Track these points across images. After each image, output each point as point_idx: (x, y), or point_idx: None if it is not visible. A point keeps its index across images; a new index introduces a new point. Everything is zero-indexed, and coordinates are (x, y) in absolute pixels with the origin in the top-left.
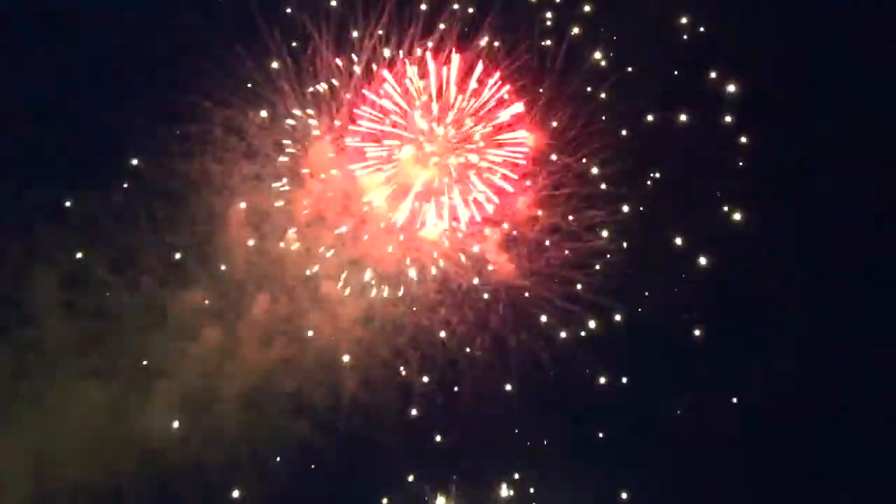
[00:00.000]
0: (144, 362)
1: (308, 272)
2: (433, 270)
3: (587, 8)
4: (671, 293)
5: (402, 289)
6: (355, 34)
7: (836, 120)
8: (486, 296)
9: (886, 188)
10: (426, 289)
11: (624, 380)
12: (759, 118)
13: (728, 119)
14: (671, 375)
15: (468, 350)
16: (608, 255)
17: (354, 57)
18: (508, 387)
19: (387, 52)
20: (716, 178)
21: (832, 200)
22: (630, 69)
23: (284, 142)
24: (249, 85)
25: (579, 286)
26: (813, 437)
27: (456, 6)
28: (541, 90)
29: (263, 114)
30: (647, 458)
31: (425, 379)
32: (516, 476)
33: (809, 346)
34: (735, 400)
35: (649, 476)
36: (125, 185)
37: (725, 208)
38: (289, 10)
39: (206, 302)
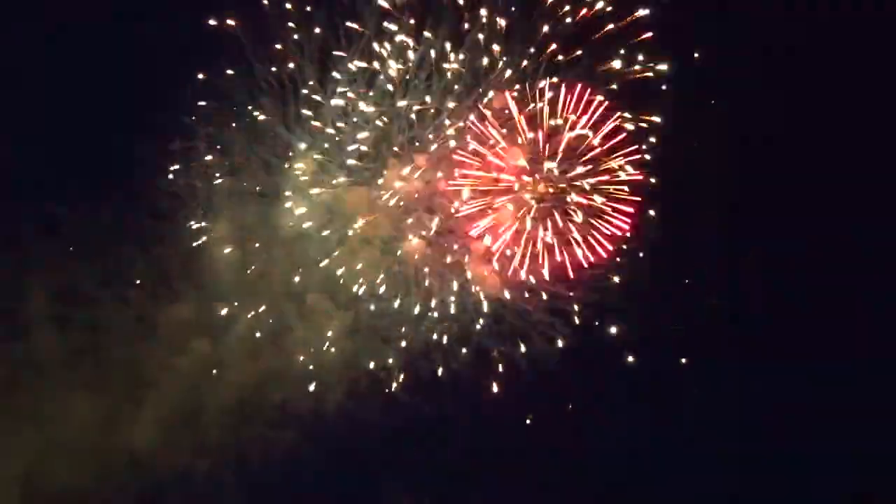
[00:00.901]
0: (133, 374)
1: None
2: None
3: None
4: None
5: (389, 302)
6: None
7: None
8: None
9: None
10: (411, 301)
11: (606, 395)
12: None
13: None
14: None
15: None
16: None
17: None
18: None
19: None
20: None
21: None
22: None
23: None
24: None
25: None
26: None
27: None
28: None
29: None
30: (627, 475)
31: (410, 391)
32: (497, 488)
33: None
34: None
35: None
36: (115, 200)
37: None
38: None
39: (193, 315)
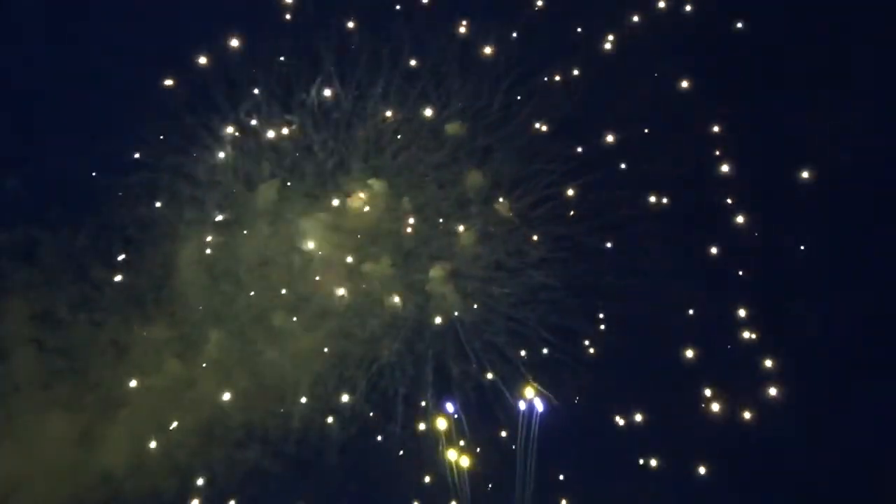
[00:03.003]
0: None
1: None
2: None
3: None
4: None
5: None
6: None
7: None
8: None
9: None
10: (374, 322)
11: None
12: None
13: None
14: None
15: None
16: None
17: None
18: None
19: None
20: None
21: None
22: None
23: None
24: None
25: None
26: None
27: None
28: None
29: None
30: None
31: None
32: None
33: None
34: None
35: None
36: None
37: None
38: None
39: (165, 337)
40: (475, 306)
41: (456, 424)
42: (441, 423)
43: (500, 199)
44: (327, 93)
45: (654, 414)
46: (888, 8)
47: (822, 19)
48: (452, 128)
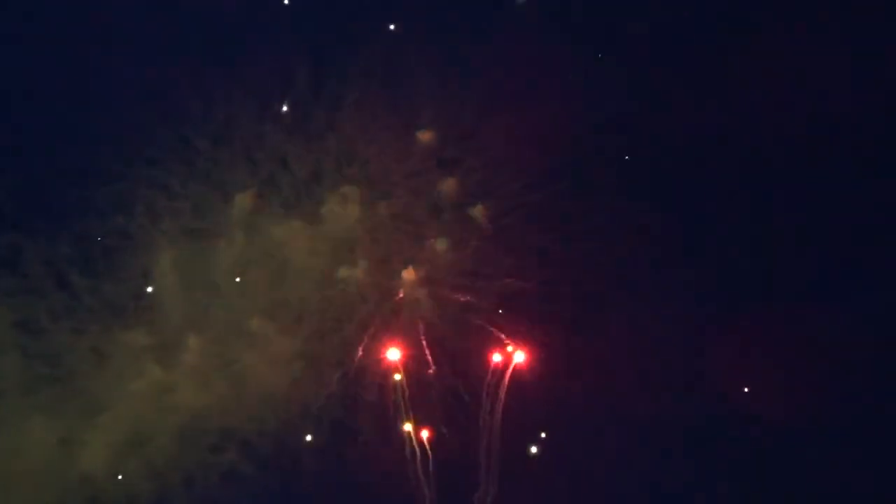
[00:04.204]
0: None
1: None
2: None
3: None
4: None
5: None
6: None
7: None
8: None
9: None
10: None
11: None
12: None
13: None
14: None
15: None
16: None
17: None
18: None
19: None
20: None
21: None
22: None
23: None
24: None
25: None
26: None
27: None
28: None
29: None
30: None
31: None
32: None
33: None
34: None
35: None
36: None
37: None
38: None
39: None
40: (447, 312)
41: (431, 429)
42: (410, 427)
43: (474, 207)
44: (302, 103)
45: (629, 425)
46: None
47: None
48: (424, 136)
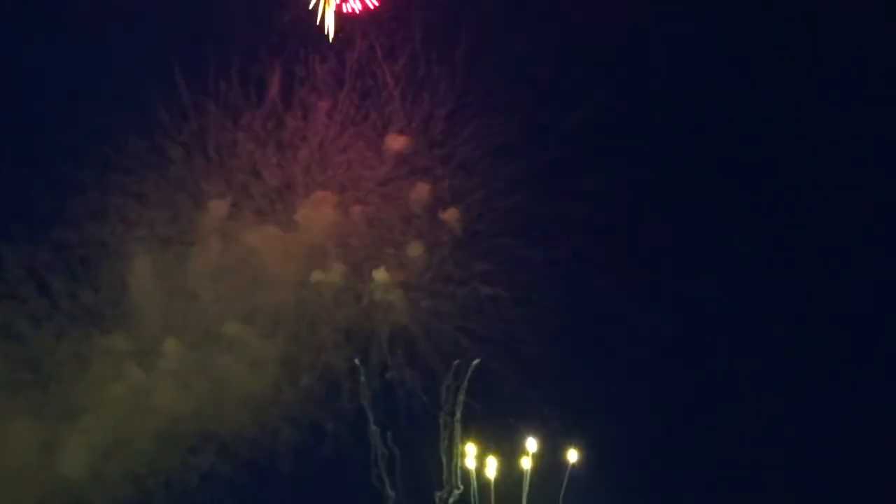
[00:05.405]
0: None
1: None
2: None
3: None
4: None
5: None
6: None
7: None
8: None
9: None
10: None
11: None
12: None
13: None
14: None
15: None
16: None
17: None
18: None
19: None
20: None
21: None
22: None
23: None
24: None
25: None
26: None
27: None
28: None
29: None
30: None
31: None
32: None
33: None
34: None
35: None
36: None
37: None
38: None
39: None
40: (422, 316)
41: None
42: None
43: (446, 212)
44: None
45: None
46: None
47: None
48: (397, 143)
